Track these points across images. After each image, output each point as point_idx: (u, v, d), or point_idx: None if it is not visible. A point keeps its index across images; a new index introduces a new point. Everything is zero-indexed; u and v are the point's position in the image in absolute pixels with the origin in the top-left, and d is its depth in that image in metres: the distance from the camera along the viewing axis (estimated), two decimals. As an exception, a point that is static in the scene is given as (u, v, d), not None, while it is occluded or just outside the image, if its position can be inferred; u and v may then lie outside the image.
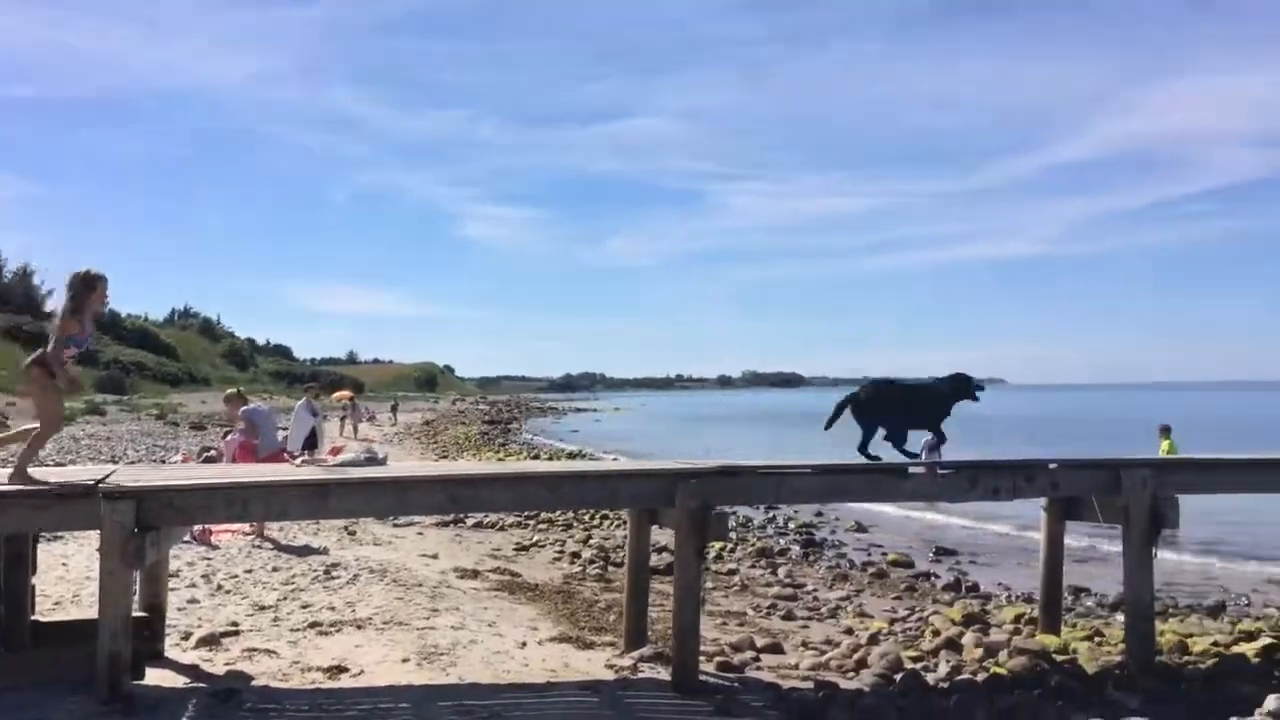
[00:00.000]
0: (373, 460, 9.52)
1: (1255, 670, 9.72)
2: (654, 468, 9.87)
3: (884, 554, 17.87)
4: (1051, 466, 9.94)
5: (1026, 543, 17.71)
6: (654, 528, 9.97)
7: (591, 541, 17.10)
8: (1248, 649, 10.39)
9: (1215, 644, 10.72)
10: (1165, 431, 20.67)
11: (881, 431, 9.93)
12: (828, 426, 10.09)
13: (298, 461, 11.37)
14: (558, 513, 19.17)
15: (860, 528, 21.35)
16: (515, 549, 16.44)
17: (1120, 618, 11.03)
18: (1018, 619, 11.82)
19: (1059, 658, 9.91)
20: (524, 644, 9.82)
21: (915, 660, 10.10)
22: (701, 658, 9.07)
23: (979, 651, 10.17)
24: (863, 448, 9.89)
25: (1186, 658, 10.26)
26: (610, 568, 14.74)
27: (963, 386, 10.13)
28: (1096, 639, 10.96)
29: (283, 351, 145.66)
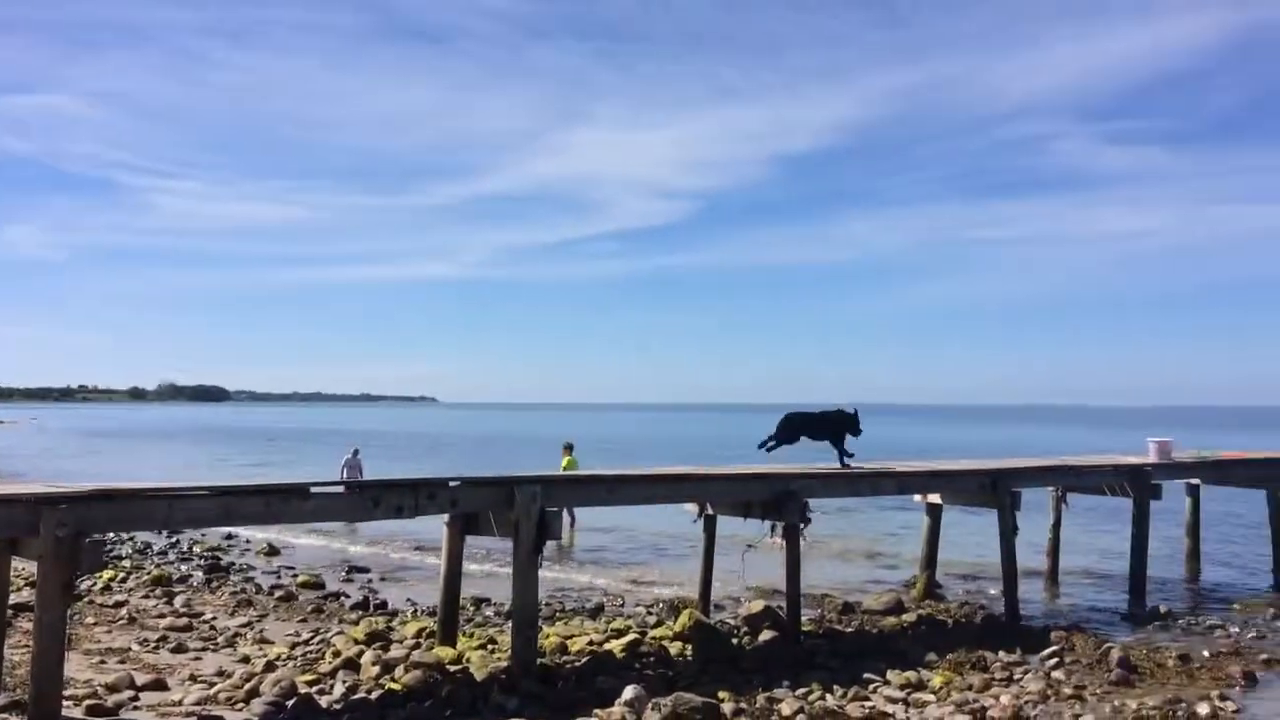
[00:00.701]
0: None
1: (620, 664, 10.88)
2: (13, 492, 8.67)
3: (294, 576, 17.43)
4: (452, 484, 10.34)
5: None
6: (22, 559, 8.78)
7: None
8: (616, 645, 11.59)
9: (591, 643, 11.83)
10: (568, 449, 22.61)
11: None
12: (764, 447, 13.80)
13: None
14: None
15: (273, 550, 20.65)
16: None
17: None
18: (419, 633, 12.11)
19: (453, 668, 10.30)
20: None
21: (312, 684, 9.93)
22: (69, 702, 8.15)
23: (377, 669, 10.26)
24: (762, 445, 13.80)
25: (565, 657, 11.21)
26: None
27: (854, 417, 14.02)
28: (490, 647, 11.58)
29: None
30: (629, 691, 9.19)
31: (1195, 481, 18.92)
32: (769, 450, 13.77)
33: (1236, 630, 13.63)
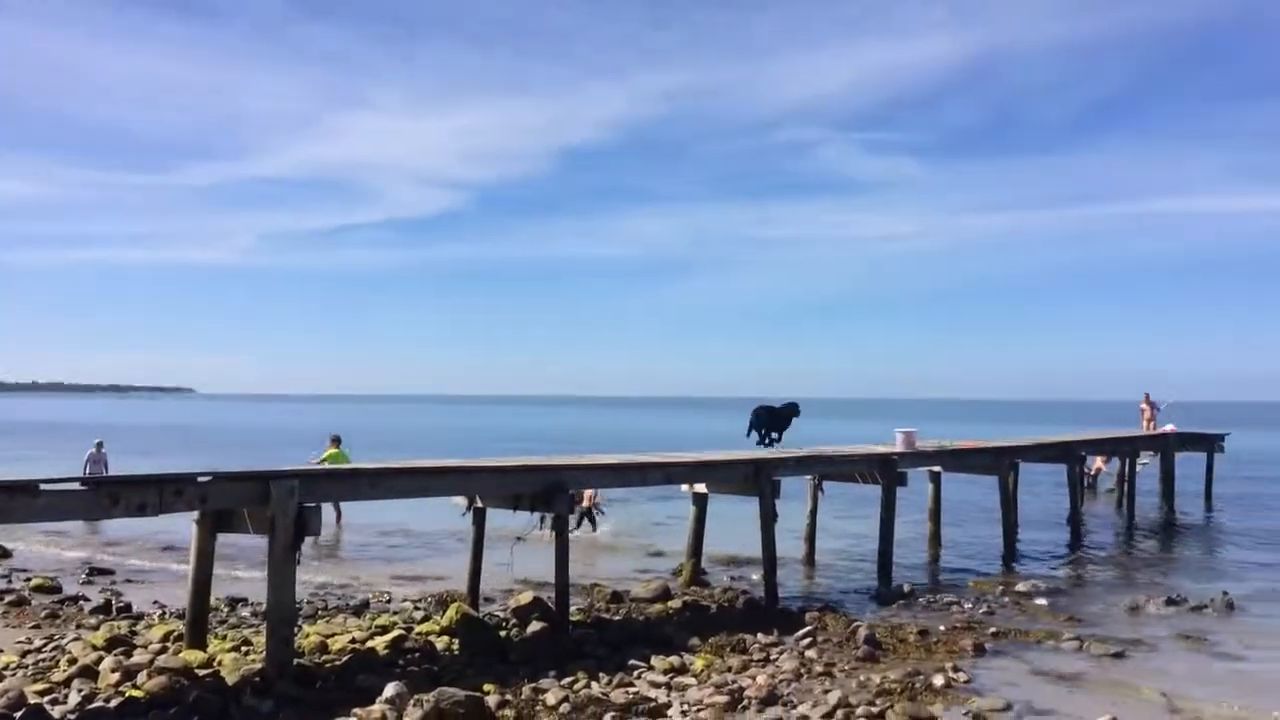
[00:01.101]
0: None
1: (383, 661, 10.62)
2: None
3: (27, 579, 16.09)
4: (201, 480, 9.79)
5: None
6: None
7: None
8: (380, 642, 11.31)
9: (353, 641, 11.50)
10: (335, 441, 21.88)
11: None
12: (749, 435, 18.52)
13: None
14: None
15: (3, 553, 18.99)
16: None
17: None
18: (166, 637, 11.44)
19: (202, 672, 9.78)
20: None
21: (44, 694, 9.21)
22: None
23: (117, 676, 9.59)
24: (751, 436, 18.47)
25: (326, 657, 10.85)
26: None
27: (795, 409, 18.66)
28: (244, 648, 11.07)
29: None
30: (390, 689, 8.99)
31: (937, 469, 20.31)
32: (767, 443, 18.10)
33: (970, 606, 14.71)
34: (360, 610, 14.09)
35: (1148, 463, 30.52)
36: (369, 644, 11.34)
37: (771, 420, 18.39)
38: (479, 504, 13.30)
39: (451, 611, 12.12)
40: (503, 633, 12.19)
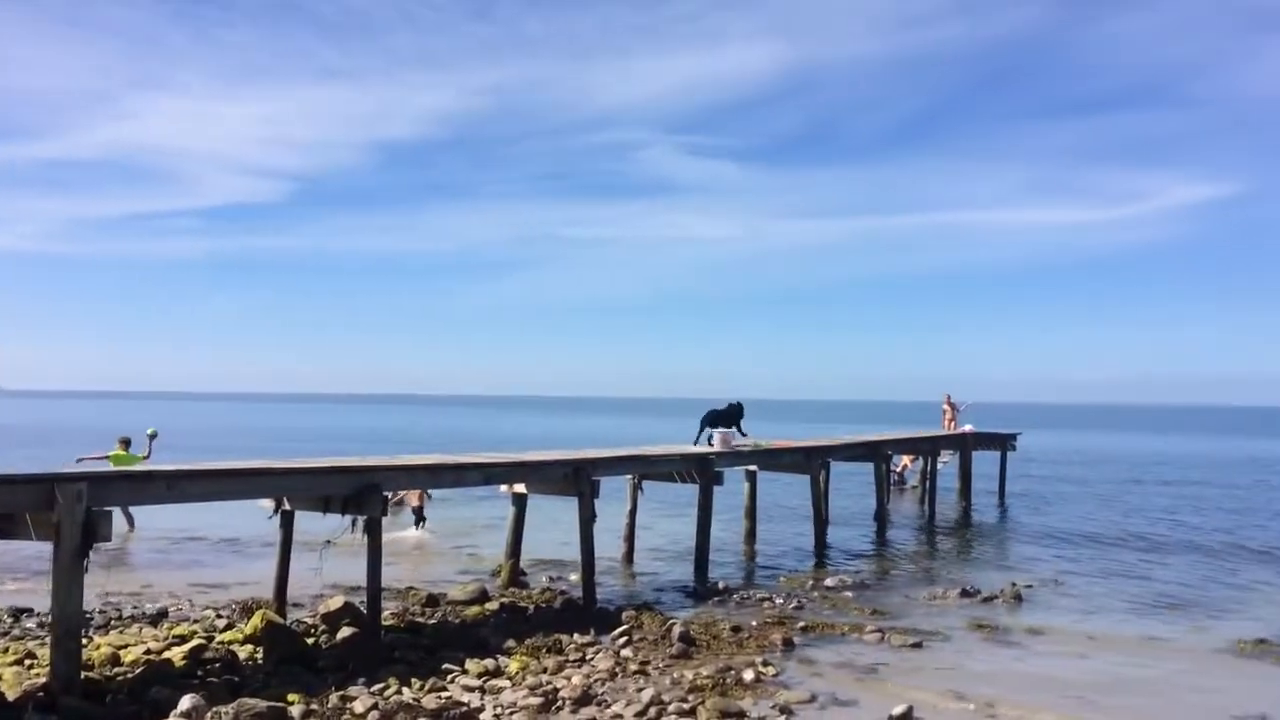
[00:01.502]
0: None
1: (180, 673, 10.09)
2: None
3: None
4: (-23, 483, 9.07)
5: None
6: None
7: None
8: (178, 653, 10.75)
9: (148, 651, 10.89)
10: (124, 443, 20.73)
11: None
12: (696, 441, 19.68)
13: None
14: None
15: None
16: None
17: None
18: (-63, 655, 10.55)
19: (-23, 690, 9.06)
20: None
21: None
22: None
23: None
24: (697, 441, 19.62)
25: (117, 669, 10.23)
26: None
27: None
28: (28, 662, 10.35)
29: None
30: (185, 701, 8.56)
31: (752, 468, 20.81)
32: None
33: (781, 601, 15.14)
34: (157, 620, 13.38)
35: (948, 461, 32.17)
36: (165, 655, 10.76)
37: (722, 420, 19.76)
38: (286, 507, 12.82)
39: (256, 619, 11.63)
40: (310, 640, 11.78)
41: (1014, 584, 16.57)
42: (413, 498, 22.07)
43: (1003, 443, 33.51)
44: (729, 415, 19.83)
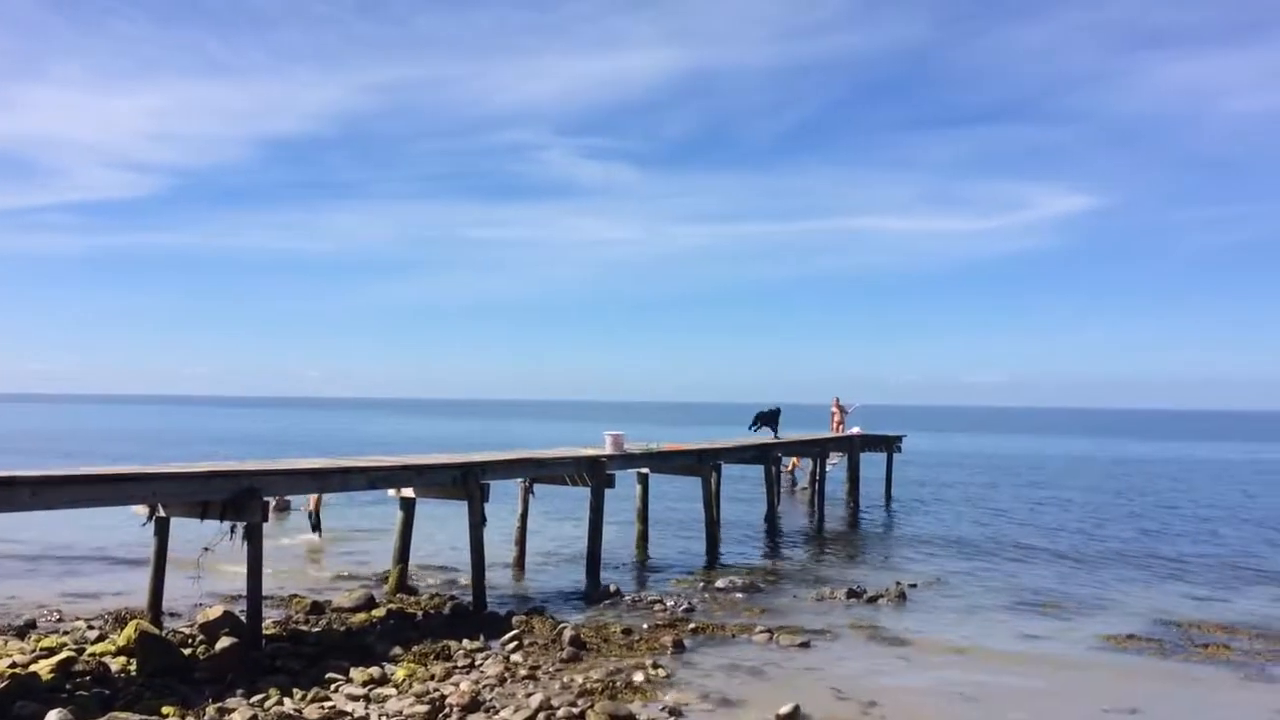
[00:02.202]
0: None
1: (48, 687, 9.65)
2: None
3: None
4: None
5: None
6: None
7: None
8: (45, 666, 10.28)
9: (14, 665, 10.40)
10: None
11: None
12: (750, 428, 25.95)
13: None
14: None
15: None
16: None
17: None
18: None
19: None
20: None
21: None
22: None
23: None
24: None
25: (-23, 686, 9.72)
26: None
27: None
28: (-123, 682, 9.75)
29: None
30: (53, 716, 8.21)
31: (644, 471, 20.86)
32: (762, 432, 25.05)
33: (672, 604, 15.19)
34: (24, 632, 12.76)
35: (837, 462, 32.77)
36: (32, 668, 10.27)
37: (766, 420, 26.07)
38: (161, 513, 12.37)
39: (129, 629, 11.20)
40: (187, 650, 11.37)
41: (899, 583, 16.96)
42: (311, 501, 21.55)
43: (889, 445, 34.28)
44: (771, 416, 25.93)
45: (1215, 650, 13.14)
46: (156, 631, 11.49)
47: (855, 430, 33.51)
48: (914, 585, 17.25)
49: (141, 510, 12.33)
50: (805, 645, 12.84)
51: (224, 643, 11.47)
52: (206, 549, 12.66)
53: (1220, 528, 27.36)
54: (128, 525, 13.76)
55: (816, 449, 30.16)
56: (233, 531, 11.71)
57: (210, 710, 9.07)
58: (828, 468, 30.74)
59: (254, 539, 11.48)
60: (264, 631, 11.95)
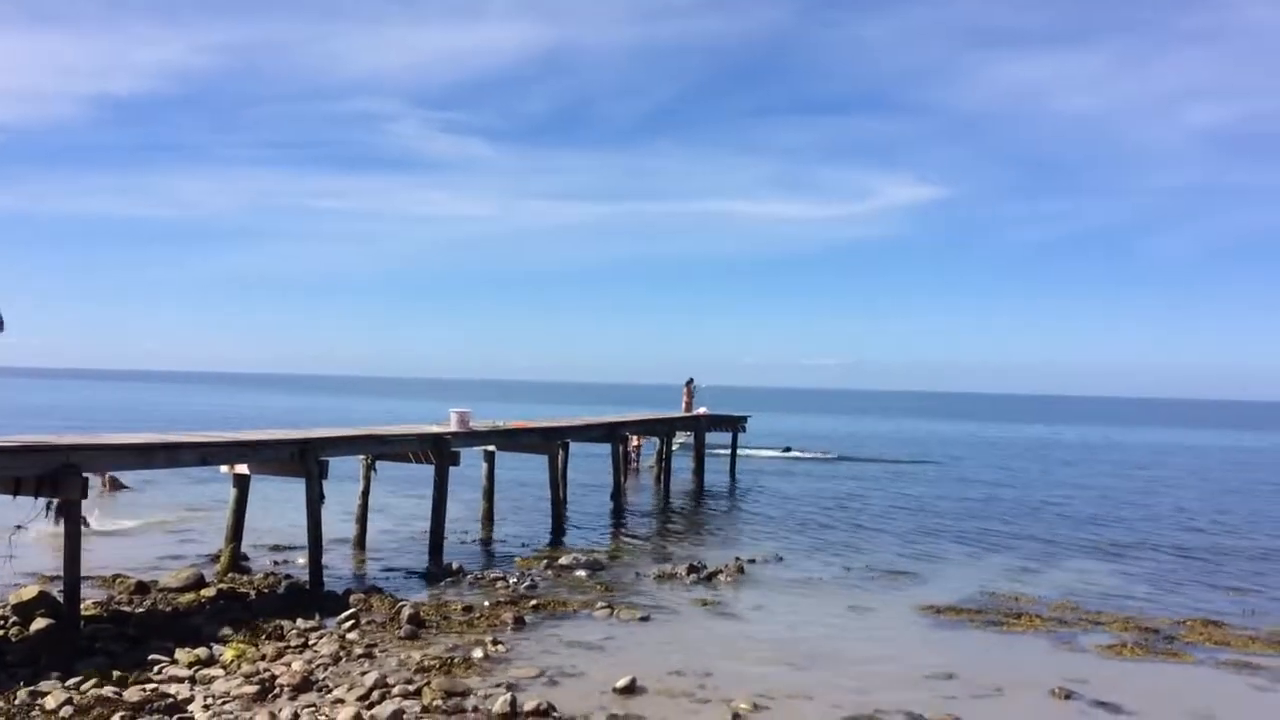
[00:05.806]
0: None
1: None
2: None
3: None
4: None
5: None
6: None
7: None
8: None
9: None
10: None
11: None
12: None
13: None
14: None
15: None
16: None
17: None
18: None
19: None
20: None
21: None
22: None
23: None
24: None
25: None
26: None
27: None
28: None
29: None
30: None
31: (491, 448, 20.75)
32: None
33: (515, 581, 15.18)
34: None
35: (684, 441, 33.31)
36: None
37: None
38: (-29, 490, 11.64)
39: (-68, 613, 10.53)
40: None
41: (738, 559, 17.37)
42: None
43: (734, 424, 35.02)
44: None
45: (1030, 620, 13.92)
46: (-38, 614, 10.85)
47: (702, 410, 34.08)
48: (752, 561, 17.69)
49: (-54, 487, 11.58)
50: (645, 619, 13.03)
51: (39, 624, 10.96)
52: (19, 526, 12.00)
53: (1049, 501, 28.99)
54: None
55: (664, 428, 30.58)
56: (48, 509, 11.11)
57: (21, 694, 8.64)
58: (674, 446, 31.21)
59: (71, 517, 10.92)
60: (83, 613, 11.42)
